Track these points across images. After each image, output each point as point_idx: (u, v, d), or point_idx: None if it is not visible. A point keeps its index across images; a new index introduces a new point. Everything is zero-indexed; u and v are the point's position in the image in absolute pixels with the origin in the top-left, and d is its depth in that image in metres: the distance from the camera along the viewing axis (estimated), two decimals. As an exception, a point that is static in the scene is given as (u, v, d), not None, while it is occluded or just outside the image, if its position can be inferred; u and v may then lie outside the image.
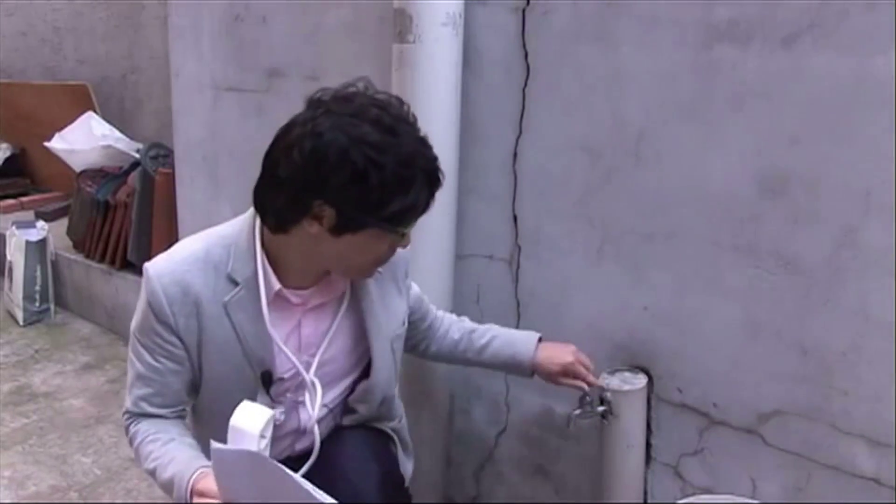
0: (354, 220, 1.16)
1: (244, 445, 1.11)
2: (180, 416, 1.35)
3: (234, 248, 1.26)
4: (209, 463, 1.16)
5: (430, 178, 1.18)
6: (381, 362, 1.39)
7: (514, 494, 1.91)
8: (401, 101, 1.20)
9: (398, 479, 1.45)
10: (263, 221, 1.23)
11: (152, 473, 1.27)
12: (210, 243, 1.28)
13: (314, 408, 1.32)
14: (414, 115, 1.21)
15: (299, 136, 1.13)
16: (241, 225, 1.28)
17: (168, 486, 1.23)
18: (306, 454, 1.38)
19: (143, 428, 1.30)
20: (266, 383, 1.30)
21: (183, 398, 1.34)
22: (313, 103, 1.17)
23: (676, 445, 1.59)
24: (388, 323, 1.39)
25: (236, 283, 1.25)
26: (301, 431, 1.38)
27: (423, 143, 1.18)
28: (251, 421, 1.13)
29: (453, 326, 1.60)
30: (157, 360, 1.28)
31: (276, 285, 1.26)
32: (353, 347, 1.39)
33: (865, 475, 1.36)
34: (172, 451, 1.26)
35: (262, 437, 1.13)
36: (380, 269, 1.33)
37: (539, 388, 1.64)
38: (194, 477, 1.19)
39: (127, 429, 1.34)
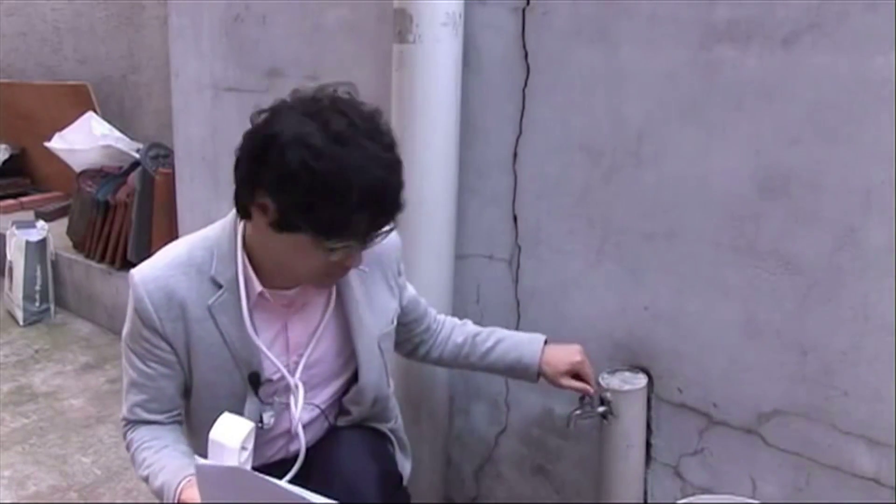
0: (288, 219, 1.14)
1: (225, 459, 1.12)
2: (177, 422, 1.35)
3: (216, 251, 1.26)
4: None
5: (370, 199, 1.10)
6: (369, 364, 1.38)
7: (514, 494, 1.91)
8: (378, 116, 1.16)
9: (396, 479, 1.45)
10: (235, 206, 1.23)
11: (145, 480, 1.28)
12: (193, 246, 1.28)
13: (297, 409, 1.32)
14: (390, 136, 1.15)
15: (256, 126, 1.16)
16: (222, 227, 1.28)
17: (159, 494, 1.24)
18: (307, 450, 1.39)
19: (139, 435, 1.31)
20: (254, 385, 1.30)
21: (177, 403, 1.34)
22: (291, 94, 1.18)
23: (676, 445, 1.59)
24: (374, 322, 1.38)
25: (220, 286, 1.25)
26: (294, 433, 1.38)
27: (380, 164, 1.11)
28: (231, 434, 1.14)
29: (456, 330, 1.58)
30: (148, 366, 1.28)
31: (258, 287, 1.26)
32: (342, 348, 1.38)
33: (865, 475, 1.36)
34: (164, 458, 1.26)
35: (244, 448, 1.14)
36: (364, 268, 1.33)
37: (539, 388, 1.63)
38: (181, 486, 1.19)
39: (124, 436, 1.34)
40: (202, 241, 1.28)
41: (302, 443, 1.35)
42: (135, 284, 1.25)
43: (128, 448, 1.34)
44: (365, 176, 1.09)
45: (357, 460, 1.35)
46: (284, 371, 1.31)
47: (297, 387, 1.32)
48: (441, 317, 1.60)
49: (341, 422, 1.43)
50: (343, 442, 1.39)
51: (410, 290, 1.52)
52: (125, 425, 1.34)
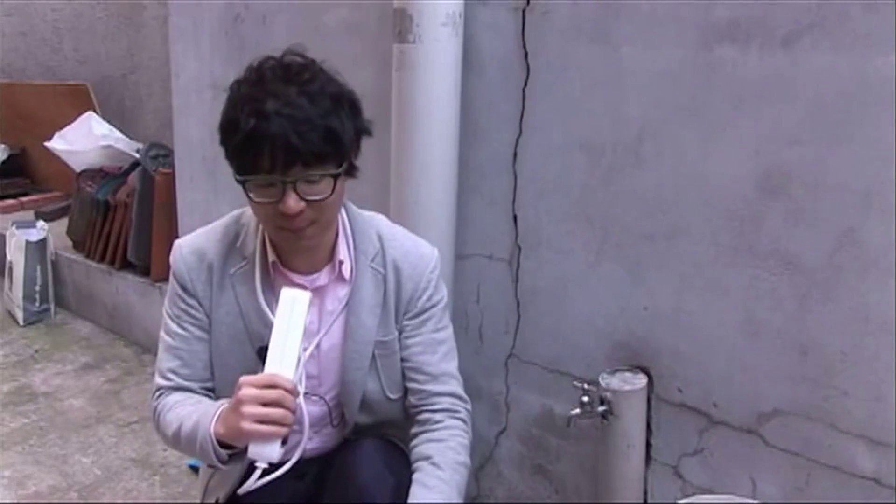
0: (231, 167, 1.20)
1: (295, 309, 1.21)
2: (208, 396, 1.35)
3: (248, 226, 1.34)
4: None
5: (260, 130, 1.12)
6: (353, 363, 1.35)
7: (514, 494, 1.91)
8: (309, 63, 1.22)
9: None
10: None
11: (176, 436, 1.27)
12: (231, 220, 1.38)
13: (301, 382, 1.25)
14: (314, 83, 1.18)
15: None
16: None
17: (192, 435, 1.23)
18: (319, 457, 1.39)
19: (172, 399, 1.32)
20: (263, 359, 1.27)
21: (209, 375, 1.35)
22: None
23: (676, 445, 1.59)
24: (374, 325, 1.35)
25: (244, 258, 1.32)
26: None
27: (277, 98, 1.13)
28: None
29: (437, 450, 1.34)
30: (183, 328, 1.34)
31: (271, 257, 1.31)
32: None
33: (865, 475, 1.36)
34: (200, 405, 1.27)
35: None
36: (381, 270, 1.33)
37: (539, 388, 1.64)
38: (220, 410, 1.20)
39: (154, 409, 1.34)
40: (239, 217, 1.37)
41: (305, 419, 1.27)
42: (175, 248, 1.35)
43: (156, 415, 1.33)
44: (253, 106, 1.13)
45: (373, 470, 1.31)
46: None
47: (298, 359, 1.24)
48: (450, 421, 1.41)
49: (346, 429, 1.41)
50: (360, 451, 1.35)
51: (421, 344, 1.38)
52: (157, 393, 1.34)
